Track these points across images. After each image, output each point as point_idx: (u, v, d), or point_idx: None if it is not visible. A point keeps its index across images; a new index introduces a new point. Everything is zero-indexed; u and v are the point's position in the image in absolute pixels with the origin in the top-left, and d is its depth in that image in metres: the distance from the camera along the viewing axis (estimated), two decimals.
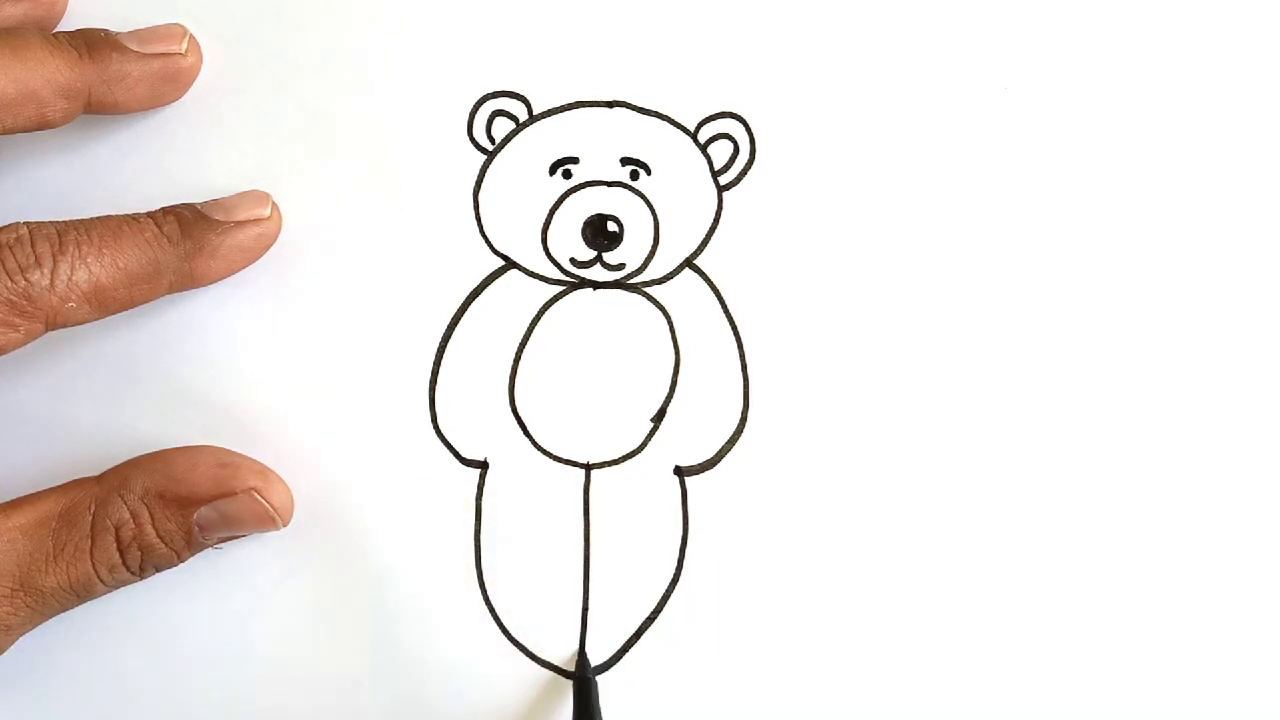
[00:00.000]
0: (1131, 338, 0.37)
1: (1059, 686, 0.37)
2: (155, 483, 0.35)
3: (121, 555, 0.34)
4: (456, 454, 0.37)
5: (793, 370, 0.37)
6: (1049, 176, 0.38)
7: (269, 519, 0.35)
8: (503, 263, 0.37)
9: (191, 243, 0.35)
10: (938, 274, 0.37)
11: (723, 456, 0.37)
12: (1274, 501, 0.37)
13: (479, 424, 0.37)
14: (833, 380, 0.37)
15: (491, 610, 0.37)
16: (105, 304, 0.34)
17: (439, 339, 0.37)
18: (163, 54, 0.36)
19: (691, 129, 0.38)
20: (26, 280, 0.33)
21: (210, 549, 0.35)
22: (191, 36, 0.37)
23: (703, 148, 0.38)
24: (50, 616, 0.34)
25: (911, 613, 0.37)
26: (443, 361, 0.37)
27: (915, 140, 0.38)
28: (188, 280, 0.36)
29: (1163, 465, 0.37)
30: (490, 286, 0.37)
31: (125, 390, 0.37)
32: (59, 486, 0.35)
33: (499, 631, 0.37)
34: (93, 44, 0.36)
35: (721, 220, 0.38)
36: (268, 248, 0.37)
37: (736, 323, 0.37)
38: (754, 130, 0.38)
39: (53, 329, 0.34)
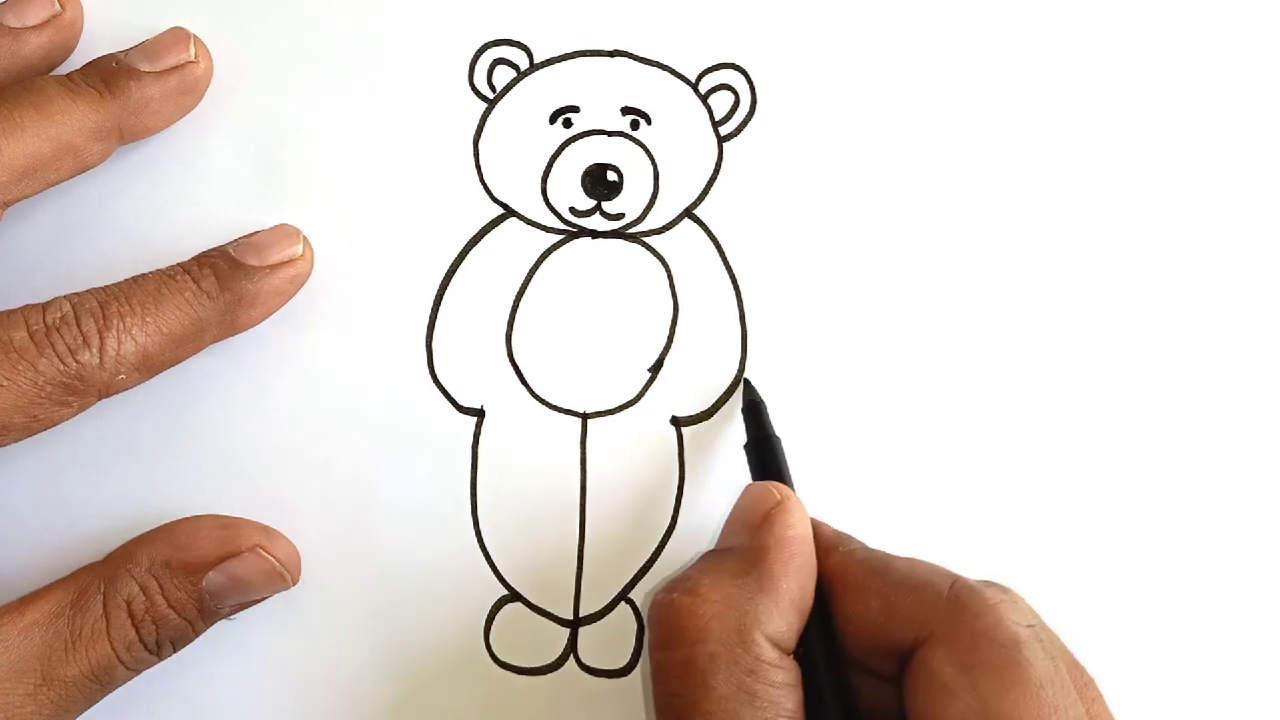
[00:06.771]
0: (1121, 286, 0.38)
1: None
2: (160, 553, 0.34)
3: (136, 631, 0.34)
4: (454, 401, 0.37)
5: (790, 321, 0.37)
6: (1047, 132, 0.38)
7: (277, 576, 0.35)
8: (502, 211, 0.37)
9: (230, 294, 0.35)
10: (935, 225, 0.38)
11: (720, 407, 0.37)
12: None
13: (476, 372, 0.37)
14: (830, 331, 0.37)
15: (488, 557, 0.37)
16: (153, 368, 0.35)
17: (437, 286, 0.37)
18: (176, 67, 0.36)
19: (692, 79, 0.38)
20: (77, 362, 0.33)
21: (223, 619, 0.35)
22: (196, 38, 0.37)
23: (703, 98, 0.38)
24: (75, 715, 0.34)
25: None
26: (441, 309, 0.37)
27: (915, 93, 0.38)
28: (229, 330, 0.36)
29: (1139, 411, 0.37)
30: (489, 235, 0.37)
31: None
32: (67, 576, 0.34)
33: (495, 578, 0.37)
34: (109, 78, 0.35)
35: (721, 171, 0.38)
36: (302, 286, 0.37)
37: (735, 273, 0.37)
38: (755, 81, 0.38)
39: (103, 399, 0.34)
